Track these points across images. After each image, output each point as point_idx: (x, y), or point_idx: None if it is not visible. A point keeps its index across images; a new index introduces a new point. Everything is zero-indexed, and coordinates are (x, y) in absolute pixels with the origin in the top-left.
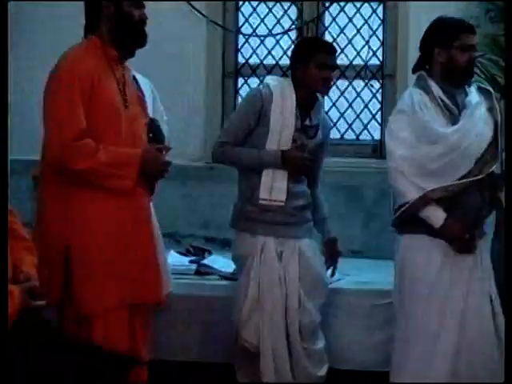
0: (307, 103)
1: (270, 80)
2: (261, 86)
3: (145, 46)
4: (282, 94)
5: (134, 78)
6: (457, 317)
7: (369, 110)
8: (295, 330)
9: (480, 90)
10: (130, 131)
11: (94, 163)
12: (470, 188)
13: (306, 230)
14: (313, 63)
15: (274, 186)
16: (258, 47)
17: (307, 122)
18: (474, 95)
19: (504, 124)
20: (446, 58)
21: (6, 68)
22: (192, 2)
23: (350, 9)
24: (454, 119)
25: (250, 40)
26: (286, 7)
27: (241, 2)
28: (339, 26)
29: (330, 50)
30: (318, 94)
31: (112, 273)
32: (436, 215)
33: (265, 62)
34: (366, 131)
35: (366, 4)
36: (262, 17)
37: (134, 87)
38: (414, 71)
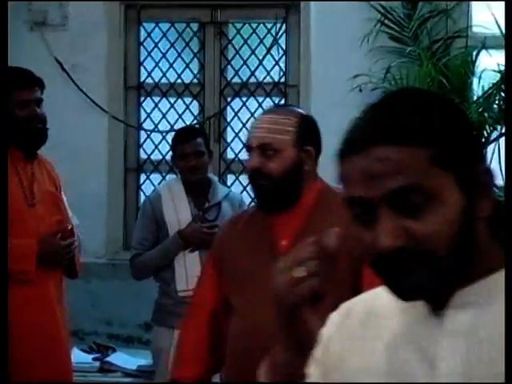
0: (199, 188)
1: (159, 185)
2: (150, 194)
3: (42, 142)
4: (170, 190)
5: None
6: None
7: None
8: None
9: None
10: (38, 230)
11: None
12: None
13: None
14: (176, 154)
15: (188, 275)
16: (160, 143)
17: (206, 205)
18: None
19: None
20: None
21: (6, 68)
22: (93, 97)
23: (252, 104)
24: None
25: (151, 136)
26: (187, 102)
27: (142, 98)
28: (241, 121)
29: (180, 138)
30: (210, 175)
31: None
32: None
33: (167, 158)
34: None
35: (268, 99)
36: (164, 112)
37: (49, 184)
38: None
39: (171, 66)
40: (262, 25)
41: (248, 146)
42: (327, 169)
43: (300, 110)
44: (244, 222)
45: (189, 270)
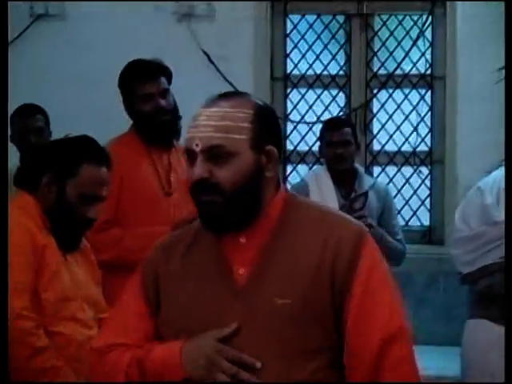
0: (346, 178)
1: (306, 174)
2: (297, 183)
3: (172, 133)
4: (317, 180)
5: None
6: None
7: (417, 196)
8: None
9: None
10: (174, 219)
11: (117, 252)
12: None
13: None
14: (324, 142)
15: None
16: (306, 134)
17: (353, 195)
18: None
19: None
20: None
21: (6, 70)
22: (240, 88)
23: (398, 95)
24: None
25: (298, 127)
26: (334, 94)
27: (289, 89)
28: (387, 113)
29: (330, 126)
30: (356, 165)
31: None
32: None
33: (313, 149)
34: (415, 217)
35: (414, 90)
36: (311, 104)
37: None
38: None
39: (317, 57)
40: (407, 17)
41: (188, 150)
42: (472, 167)
43: (254, 98)
44: (188, 242)
45: None
